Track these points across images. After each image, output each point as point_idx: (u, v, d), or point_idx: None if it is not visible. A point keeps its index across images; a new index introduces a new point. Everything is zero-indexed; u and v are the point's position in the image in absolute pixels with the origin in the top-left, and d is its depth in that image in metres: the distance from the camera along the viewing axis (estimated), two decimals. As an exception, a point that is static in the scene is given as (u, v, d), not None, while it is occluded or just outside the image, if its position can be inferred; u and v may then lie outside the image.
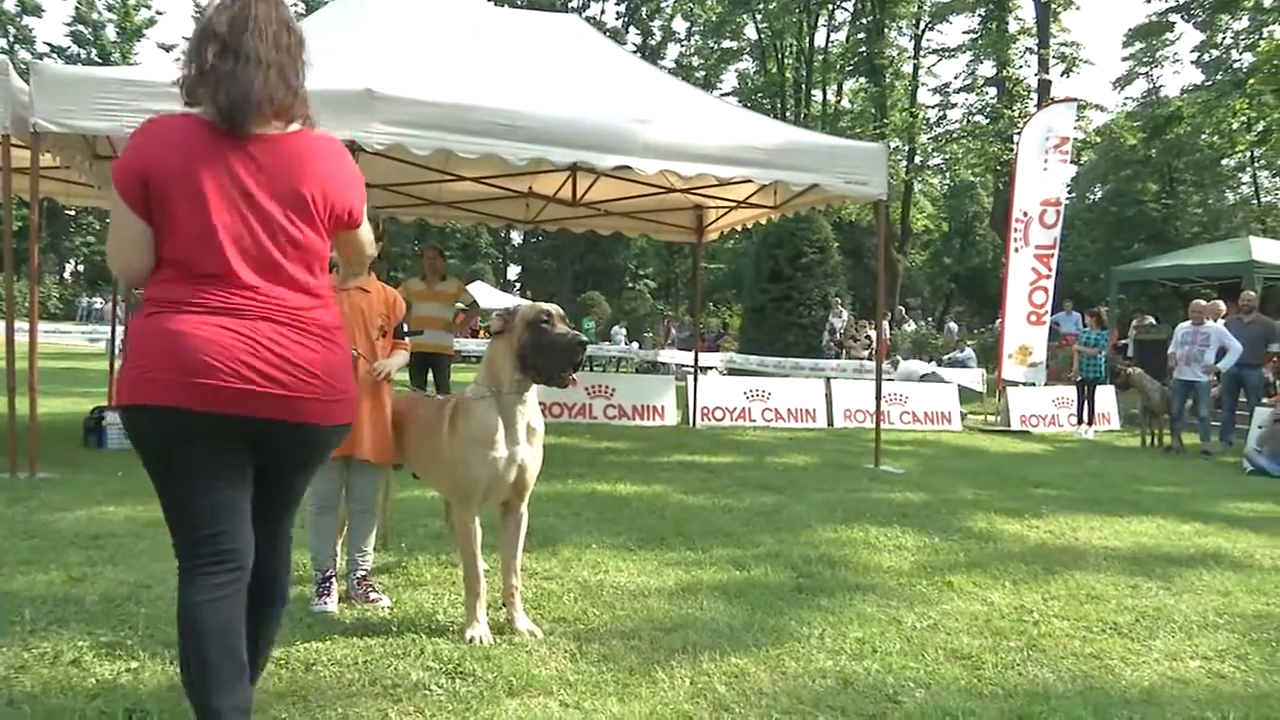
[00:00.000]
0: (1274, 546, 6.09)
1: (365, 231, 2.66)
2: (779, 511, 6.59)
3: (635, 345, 25.50)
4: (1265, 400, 11.34)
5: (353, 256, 2.75)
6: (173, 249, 2.35)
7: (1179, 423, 11.76)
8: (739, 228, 13.02)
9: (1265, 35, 24.59)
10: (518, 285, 54.05)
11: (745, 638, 3.80)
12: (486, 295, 35.36)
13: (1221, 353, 11.38)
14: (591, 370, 23.16)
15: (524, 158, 7.51)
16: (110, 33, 48.45)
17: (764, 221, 11.77)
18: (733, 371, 17.32)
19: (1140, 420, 12.69)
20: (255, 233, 2.37)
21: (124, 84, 6.81)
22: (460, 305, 9.72)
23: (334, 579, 4.05)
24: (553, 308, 3.79)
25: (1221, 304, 12.73)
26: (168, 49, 46.69)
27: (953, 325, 30.56)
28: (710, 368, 17.39)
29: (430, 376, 9.39)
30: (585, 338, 3.86)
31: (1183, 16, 27.20)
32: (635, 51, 38.61)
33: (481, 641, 3.62)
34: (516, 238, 53.19)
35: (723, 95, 38.35)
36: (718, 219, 12.18)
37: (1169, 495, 8.07)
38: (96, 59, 44.24)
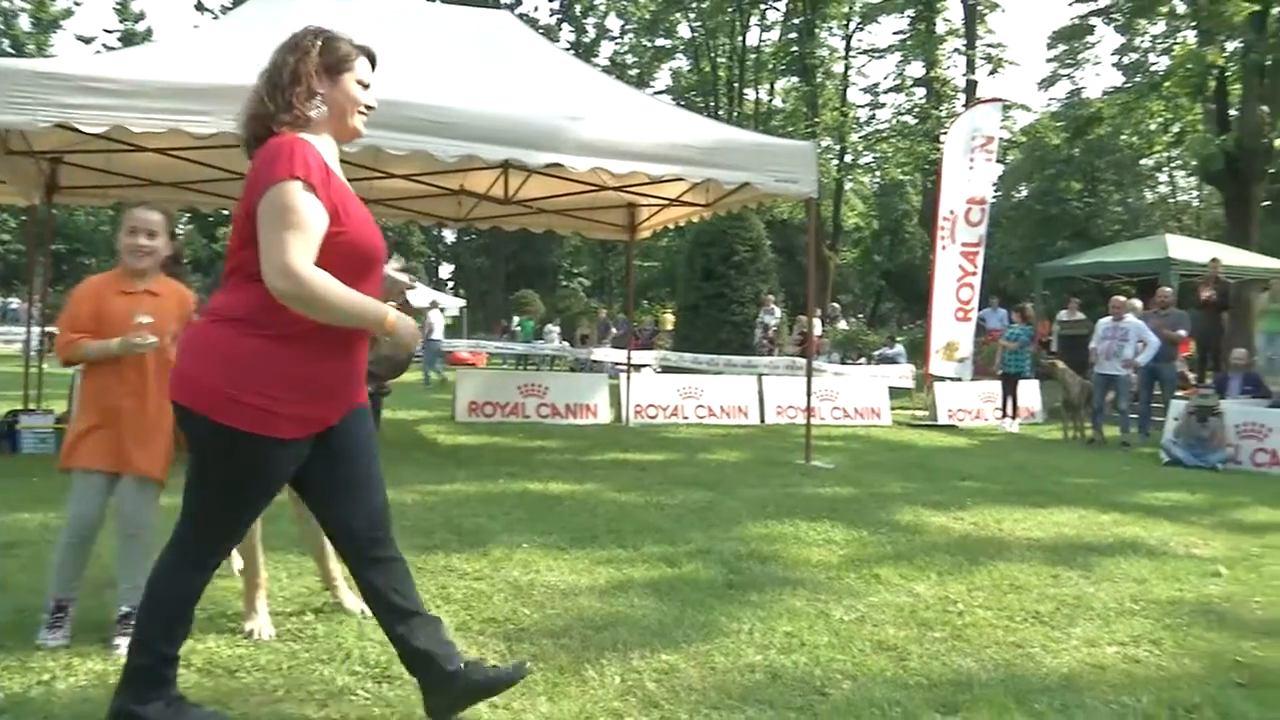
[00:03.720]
0: (1187, 534, 6.29)
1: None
2: (711, 508, 6.63)
3: (567, 344, 25.42)
4: (1180, 393, 11.70)
5: None
6: None
7: (1099, 416, 12.08)
8: (672, 226, 13.08)
9: (1179, 40, 25.33)
10: (450, 284, 53.57)
11: (676, 634, 3.82)
12: (418, 294, 35.05)
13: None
14: (525, 369, 23.09)
15: (455, 155, 7.46)
16: (24, 23, 46.95)
17: (696, 219, 11.83)
18: (667, 369, 17.36)
19: (1062, 413, 13.00)
20: None
21: (37, 76, 6.60)
22: (390, 304, 9.62)
23: (69, 610, 3.53)
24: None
25: (1138, 302, 13.12)
26: (87, 41, 45.38)
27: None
28: (644, 365, 17.43)
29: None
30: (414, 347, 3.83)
31: (1103, 20, 27.87)
32: (568, 49, 38.48)
33: (261, 635, 3.59)
34: (449, 236, 52.70)
35: (656, 93, 38.40)
36: (650, 217, 12.20)
37: (1089, 486, 8.29)
38: (10, 50, 42.83)
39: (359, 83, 2.76)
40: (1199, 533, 6.38)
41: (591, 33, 46.43)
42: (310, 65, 2.66)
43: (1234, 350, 12.99)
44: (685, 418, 12.98)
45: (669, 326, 25.70)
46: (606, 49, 46.42)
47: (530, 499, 6.75)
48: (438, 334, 21.31)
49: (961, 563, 5.23)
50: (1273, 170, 25.28)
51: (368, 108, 2.80)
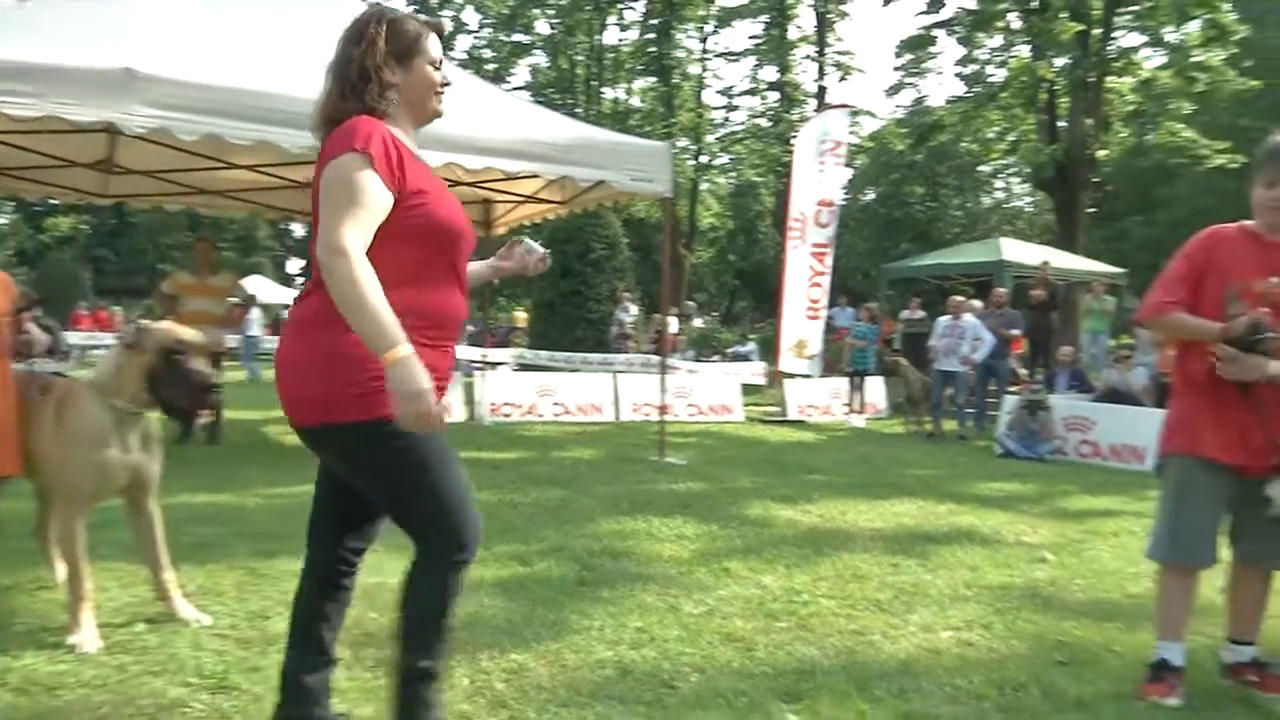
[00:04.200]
0: (1018, 523, 6.63)
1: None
2: (564, 506, 6.63)
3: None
4: (1012, 389, 12.33)
5: None
6: None
7: (939, 410, 12.62)
8: (528, 223, 12.99)
9: (1015, 55, 26.64)
10: (300, 279, 51.89)
11: (526, 633, 3.80)
12: (265, 290, 33.87)
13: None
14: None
15: (302, 146, 7.18)
16: None
17: (553, 217, 11.79)
18: (523, 367, 17.25)
19: (905, 408, 13.52)
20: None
21: None
22: (233, 300, 9.26)
23: None
24: (192, 337, 3.59)
25: (978, 302, 13.77)
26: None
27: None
28: (500, 363, 17.28)
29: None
30: (216, 379, 3.66)
31: (945, 31, 29.07)
32: (423, 41, 37.71)
33: (86, 648, 3.42)
34: (298, 230, 51.02)
35: (514, 89, 38.13)
36: (506, 214, 12.10)
37: (929, 478, 8.65)
38: None
39: (431, 64, 2.60)
40: (1028, 521, 6.73)
41: (448, 25, 45.74)
42: (378, 57, 2.49)
43: (1061, 348, 13.81)
44: (541, 415, 12.93)
45: (520, 324, 25.53)
46: (463, 42, 45.84)
47: (380, 499, 6.59)
48: (255, 330, 20.69)
49: (808, 554, 5.38)
50: (1097, 179, 26.92)
51: (444, 85, 2.64)
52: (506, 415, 12.69)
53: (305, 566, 2.72)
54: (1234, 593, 3.54)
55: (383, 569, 4.68)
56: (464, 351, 19.73)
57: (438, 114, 2.66)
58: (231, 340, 17.09)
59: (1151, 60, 25.59)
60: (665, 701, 3.19)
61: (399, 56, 2.52)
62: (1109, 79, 23.78)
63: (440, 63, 2.63)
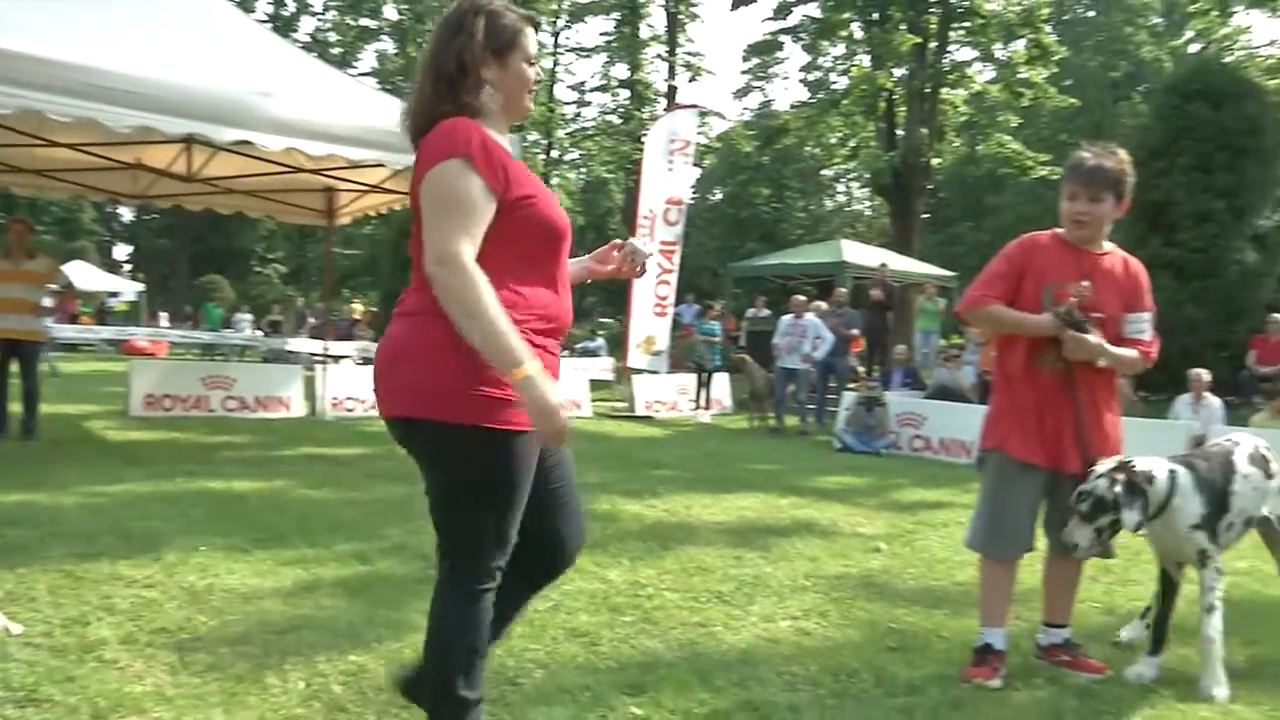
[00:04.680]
0: (854, 515, 6.87)
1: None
2: (409, 502, 6.47)
3: (260, 333, 24.07)
4: (851, 385, 12.78)
5: None
6: None
7: (782, 406, 12.97)
8: (374, 213, 12.70)
9: (856, 63, 27.62)
10: (128, 266, 49.17)
11: (366, 634, 3.70)
12: (88, 277, 31.96)
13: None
14: (212, 359, 21.63)
15: (129, 125, 6.82)
16: None
17: (399, 208, 11.55)
18: (368, 360, 16.83)
19: (749, 404, 13.84)
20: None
21: None
22: (53, 286, 8.72)
23: None
24: None
25: (823, 303, 14.21)
26: None
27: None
28: (344, 357, 16.82)
29: (16, 366, 8.39)
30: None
31: (792, 38, 29.88)
32: (265, 21, 36.41)
33: None
34: (127, 214, 48.44)
35: (360, 75, 37.16)
36: (351, 203, 11.80)
37: (771, 472, 8.87)
38: None
39: (528, 60, 2.47)
40: (864, 513, 6.98)
41: (291, 6, 44.18)
42: (476, 50, 2.37)
43: (896, 347, 14.40)
44: (386, 410, 12.62)
45: (357, 316, 24.89)
46: (307, 24, 44.41)
47: (211, 498, 6.30)
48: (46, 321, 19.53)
49: (653, 548, 5.43)
50: (931, 186, 28.15)
51: (536, 83, 2.52)
52: (350, 410, 12.35)
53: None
54: (1047, 578, 3.75)
55: (214, 570, 4.51)
56: (305, 344, 19.17)
57: (529, 110, 2.59)
58: (62, 330, 16.11)
59: (982, 74, 26.99)
60: (509, 698, 3.17)
61: (497, 53, 2.41)
62: (943, 90, 24.95)
63: (536, 60, 2.54)
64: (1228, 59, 27.04)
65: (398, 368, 2.35)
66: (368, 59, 44.20)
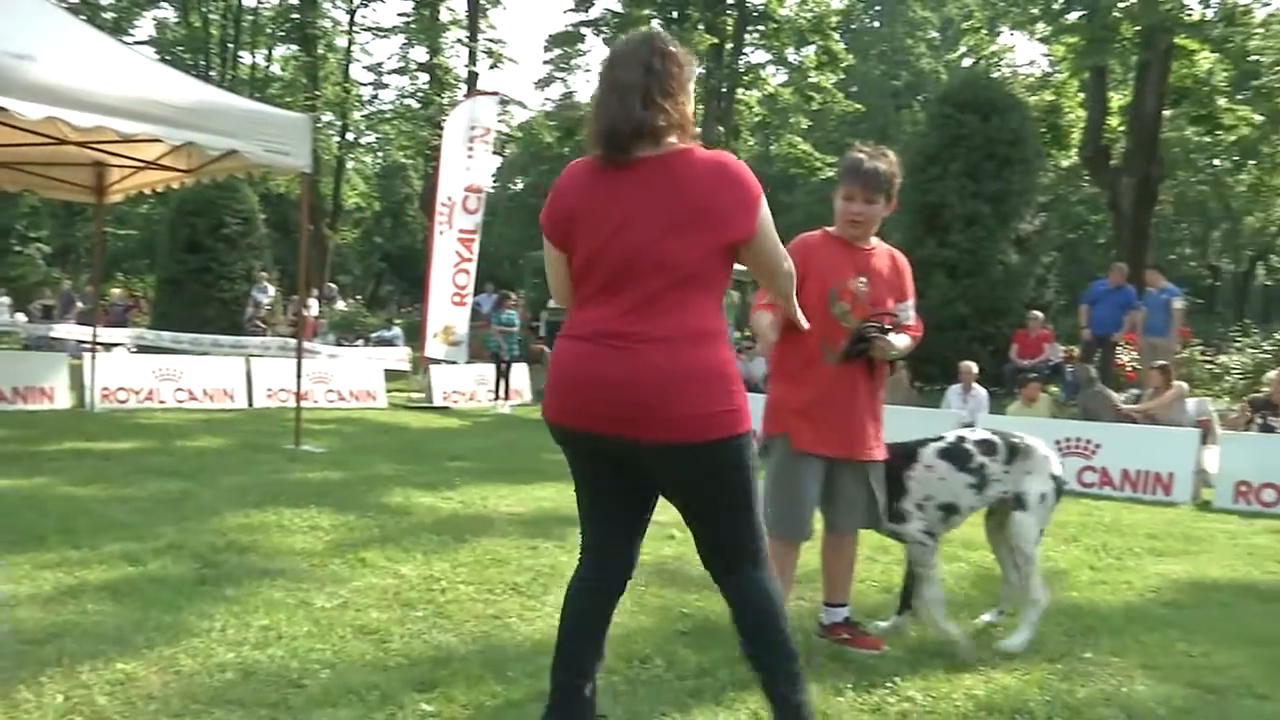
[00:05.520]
0: (649, 504, 6.99)
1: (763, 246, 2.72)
2: (185, 499, 6.14)
3: (22, 317, 22.14)
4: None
5: (762, 273, 2.85)
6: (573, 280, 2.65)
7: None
8: (150, 191, 11.89)
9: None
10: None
11: (136, 640, 3.48)
12: None
13: None
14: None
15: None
16: None
17: (178, 186, 10.87)
18: (144, 349, 15.79)
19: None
20: (614, 257, 2.49)
21: None
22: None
23: None
24: None
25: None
26: None
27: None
28: (117, 344, 15.74)
29: None
30: None
31: (593, 31, 30.08)
32: (25, -21, 33.44)
33: None
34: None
35: (136, 44, 34.76)
36: (123, 179, 10.99)
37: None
38: None
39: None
40: (659, 502, 7.10)
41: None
42: (687, 77, 2.58)
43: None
44: (162, 402, 11.91)
45: (130, 303, 23.33)
46: (76, -15, 41.14)
47: (-41, 498, 5.77)
48: None
49: (447, 541, 5.35)
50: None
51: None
52: (122, 401, 11.57)
53: (588, 585, 2.93)
54: (825, 560, 3.93)
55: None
56: (73, 331, 17.80)
57: None
58: None
59: (776, 77, 28.02)
60: (291, 701, 3.04)
61: (685, 84, 2.59)
62: (739, 91, 25.74)
63: None
64: (995, 74, 29.09)
65: (689, 391, 2.50)
66: (145, 27, 41.43)
